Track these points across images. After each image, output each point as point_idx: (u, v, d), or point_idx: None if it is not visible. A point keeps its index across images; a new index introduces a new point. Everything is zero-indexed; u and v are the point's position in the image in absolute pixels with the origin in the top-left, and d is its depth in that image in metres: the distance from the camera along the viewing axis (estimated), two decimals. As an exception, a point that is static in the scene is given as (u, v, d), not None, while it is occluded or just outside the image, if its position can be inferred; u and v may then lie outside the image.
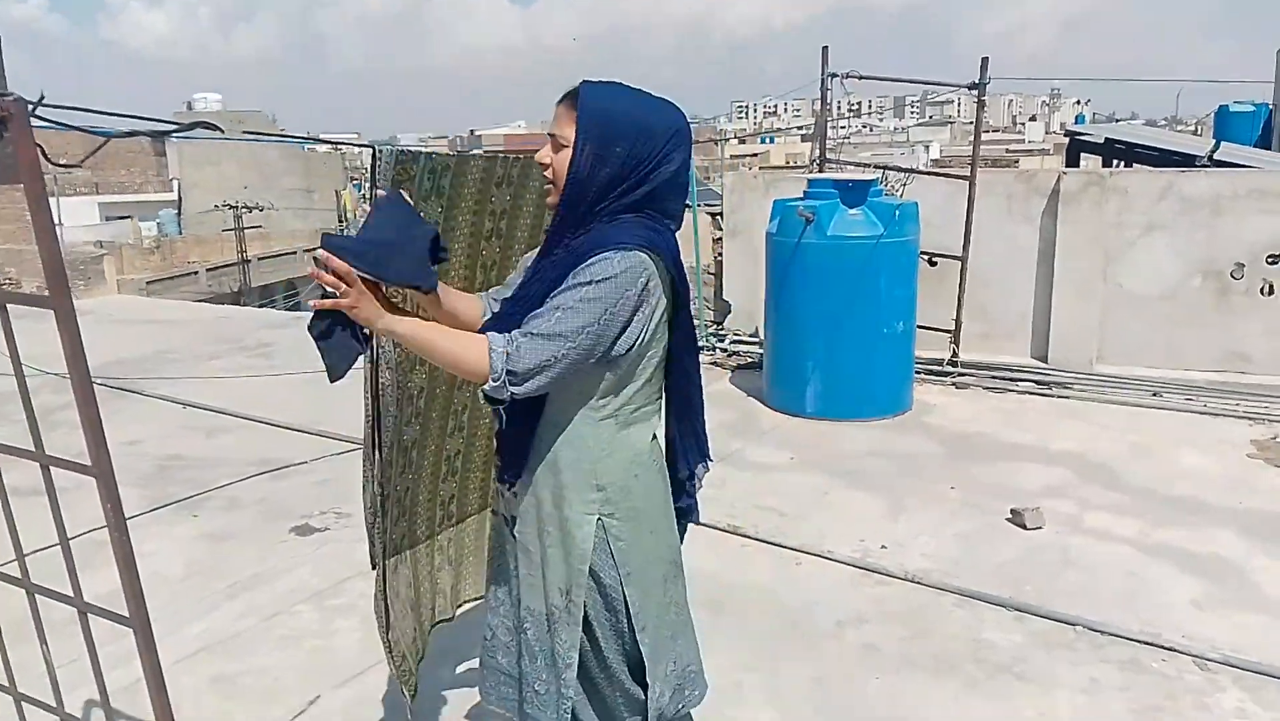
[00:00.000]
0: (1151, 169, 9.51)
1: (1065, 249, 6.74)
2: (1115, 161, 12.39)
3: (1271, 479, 4.83)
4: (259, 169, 37.58)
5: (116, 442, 1.56)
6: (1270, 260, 6.43)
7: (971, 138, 7.05)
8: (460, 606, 2.81)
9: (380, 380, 2.18)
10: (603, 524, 1.82)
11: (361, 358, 1.80)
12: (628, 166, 1.71)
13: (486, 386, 1.65)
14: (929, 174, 7.86)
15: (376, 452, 2.22)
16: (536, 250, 1.90)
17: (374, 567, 2.30)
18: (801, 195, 6.13)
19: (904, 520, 4.36)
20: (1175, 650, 3.19)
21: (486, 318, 1.88)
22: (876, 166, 7.95)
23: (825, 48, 7.11)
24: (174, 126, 1.88)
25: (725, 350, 7.59)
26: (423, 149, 2.31)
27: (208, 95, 45.39)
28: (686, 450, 1.99)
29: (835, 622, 3.43)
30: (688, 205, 8.83)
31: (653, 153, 1.72)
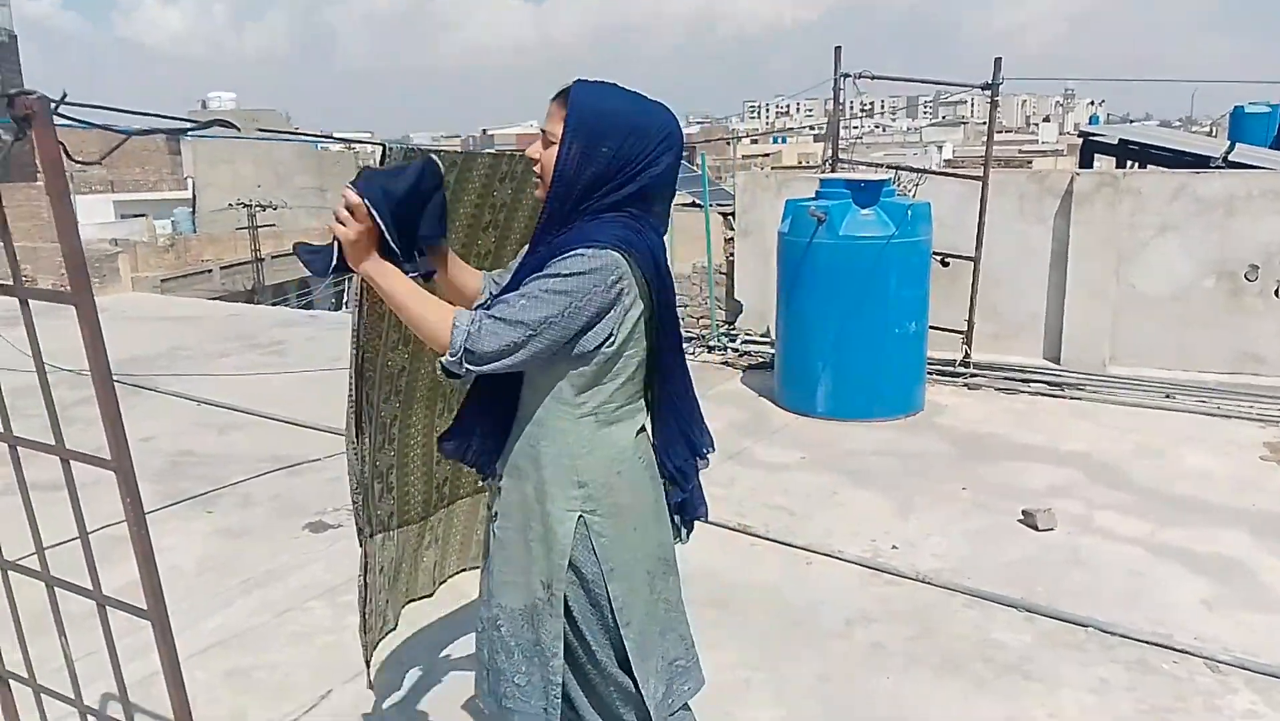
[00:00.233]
0: (1165, 170, 9.47)
1: (1078, 250, 6.72)
2: (1129, 162, 12.33)
3: (1284, 481, 4.81)
4: (272, 168, 37.76)
5: (131, 439, 1.58)
6: (1284, 261, 6.40)
7: (985, 138, 7.03)
8: (443, 582, 2.91)
9: (361, 357, 2.27)
10: (584, 520, 1.83)
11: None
12: (614, 166, 1.73)
13: (444, 359, 1.71)
14: (942, 174, 7.84)
15: (355, 429, 2.31)
16: None
17: (360, 545, 2.41)
18: (814, 195, 6.13)
19: (914, 520, 4.36)
20: (1186, 651, 3.18)
21: (484, 297, 1.93)
22: (889, 166, 7.94)
23: (838, 48, 7.10)
24: (191, 125, 1.91)
25: (736, 350, 7.59)
26: (437, 146, 2.36)
27: (222, 94, 45.62)
28: (670, 446, 1.99)
29: (844, 622, 3.43)
30: (698, 205, 8.84)
31: (641, 153, 1.74)
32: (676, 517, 2.05)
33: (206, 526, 4.39)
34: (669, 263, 1.90)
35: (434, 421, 2.61)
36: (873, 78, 7.15)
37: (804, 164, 37.73)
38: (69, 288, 1.45)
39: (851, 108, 8.57)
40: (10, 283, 1.63)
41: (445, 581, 2.91)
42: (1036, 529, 4.18)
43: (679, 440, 2.00)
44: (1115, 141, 12.89)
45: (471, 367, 1.70)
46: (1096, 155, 13.82)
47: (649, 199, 1.79)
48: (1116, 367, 6.72)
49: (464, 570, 2.95)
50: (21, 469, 1.75)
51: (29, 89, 1.41)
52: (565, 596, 1.87)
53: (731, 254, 8.15)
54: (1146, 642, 3.25)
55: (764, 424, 5.90)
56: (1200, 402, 6.12)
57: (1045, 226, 6.87)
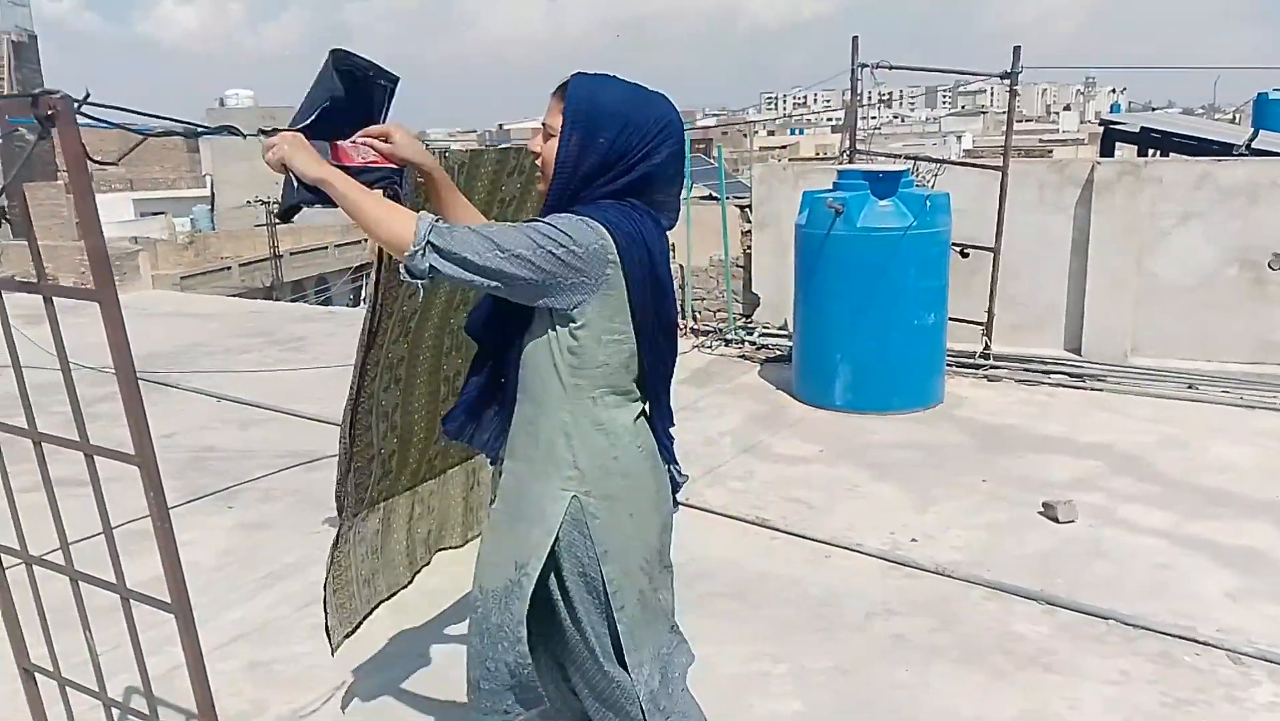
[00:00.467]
0: (1187, 158, 9.37)
1: (1099, 239, 6.67)
2: (1151, 151, 12.18)
3: (1309, 472, 4.76)
4: (291, 164, 37.87)
5: (152, 435, 1.60)
6: (1309, 250, 6.33)
7: (1004, 127, 6.98)
8: (439, 551, 3.04)
9: (367, 354, 2.36)
10: (579, 500, 1.84)
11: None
12: (613, 156, 1.76)
13: (406, 253, 1.67)
14: (960, 164, 7.79)
15: (350, 421, 2.41)
16: None
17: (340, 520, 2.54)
18: (831, 186, 6.10)
19: (934, 512, 4.34)
20: (1208, 644, 3.16)
21: None
22: (907, 157, 7.90)
23: (855, 37, 7.06)
24: (206, 129, 1.93)
25: (754, 343, 7.58)
26: (450, 141, 2.39)
27: (239, 91, 45.71)
28: (665, 433, 1.99)
29: (863, 614, 3.43)
30: (714, 197, 8.82)
31: (639, 143, 1.76)
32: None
33: (227, 521, 4.42)
34: (669, 251, 1.90)
35: (436, 406, 2.72)
36: (891, 67, 7.10)
37: (821, 155, 37.57)
38: (92, 285, 1.46)
39: (869, 98, 8.51)
40: (34, 280, 1.65)
41: (443, 550, 3.07)
42: (1057, 521, 4.15)
43: (669, 424, 2.01)
44: (1137, 129, 12.74)
45: (435, 262, 1.67)
46: (1118, 144, 13.67)
47: (649, 189, 1.81)
48: (1138, 358, 6.66)
49: (470, 541, 3.10)
50: (46, 464, 1.77)
51: (52, 89, 1.42)
52: (565, 584, 1.88)
53: (749, 246, 8.13)
54: (1168, 635, 3.22)
55: (782, 417, 5.88)
56: (1224, 393, 6.05)
57: (1066, 216, 6.82)
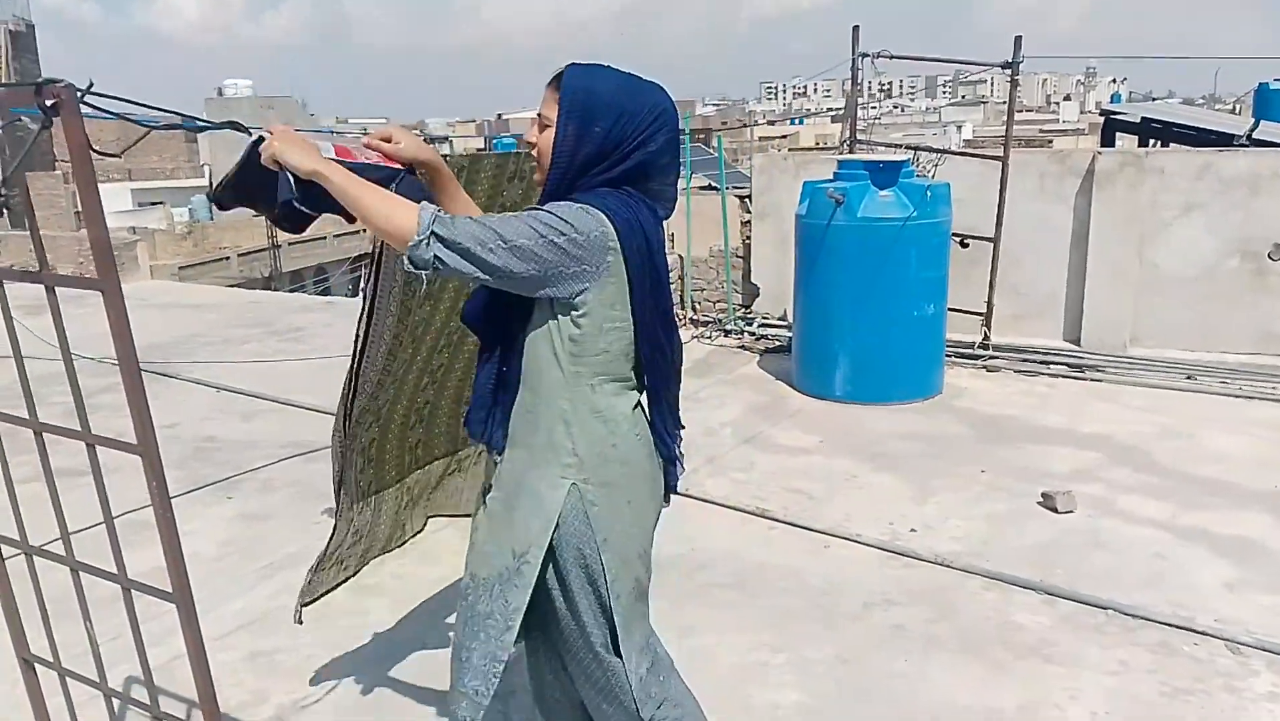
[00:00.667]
0: (1188, 148, 9.36)
1: (1099, 230, 6.66)
2: (1152, 141, 12.17)
3: (1308, 462, 4.77)
4: (289, 154, 37.77)
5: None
6: (1309, 241, 6.32)
7: (1005, 117, 6.97)
8: (418, 533, 3.09)
9: (363, 345, 2.34)
10: (578, 489, 1.85)
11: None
12: (608, 145, 1.77)
13: (410, 243, 1.67)
14: (961, 154, 7.77)
15: (345, 411, 2.42)
16: None
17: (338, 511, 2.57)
18: (831, 177, 6.09)
19: (933, 503, 4.35)
20: (1207, 633, 3.17)
21: None
22: (908, 147, 7.88)
23: (856, 27, 7.04)
24: (210, 124, 1.93)
25: (753, 333, 7.58)
26: (450, 134, 2.38)
27: (238, 81, 45.59)
28: (665, 424, 1.98)
29: (863, 604, 3.43)
30: (714, 187, 8.81)
31: (634, 132, 1.77)
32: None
33: (228, 511, 4.43)
34: (666, 239, 1.90)
35: (416, 395, 2.74)
36: (891, 57, 7.08)
37: (822, 145, 37.50)
38: (93, 275, 1.46)
39: (870, 88, 8.50)
40: (34, 270, 1.65)
41: (420, 532, 3.10)
42: (1056, 511, 4.16)
43: (670, 415, 2.00)
44: (1138, 120, 12.72)
45: (439, 252, 1.66)
46: (1118, 134, 13.65)
47: (645, 176, 1.82)
48: (1138, 349, 6.66)
49: (436, 516, 3.16)
50: (47, 454, 1.77)
51: (56, 78, 1.41)
52: (562, 572, 1.88)
53: (748, 237, 8.12)
54: (1167, 625, 3.23)
55: (781, 407, 5.89)
56: (1223, 384, 6.06)
57: (1066, 206, 6.81)
